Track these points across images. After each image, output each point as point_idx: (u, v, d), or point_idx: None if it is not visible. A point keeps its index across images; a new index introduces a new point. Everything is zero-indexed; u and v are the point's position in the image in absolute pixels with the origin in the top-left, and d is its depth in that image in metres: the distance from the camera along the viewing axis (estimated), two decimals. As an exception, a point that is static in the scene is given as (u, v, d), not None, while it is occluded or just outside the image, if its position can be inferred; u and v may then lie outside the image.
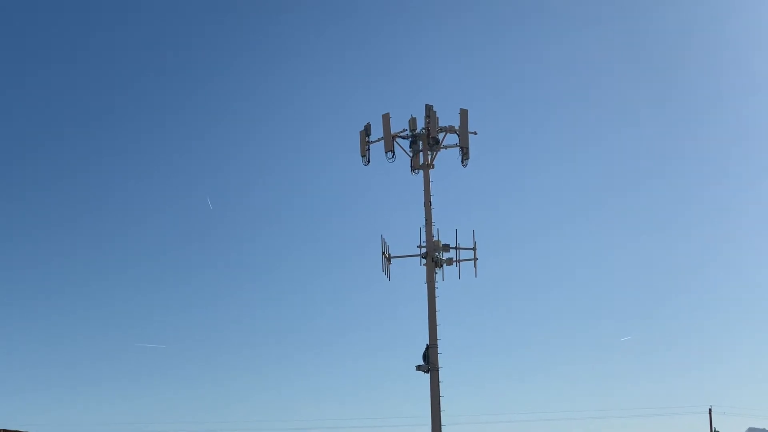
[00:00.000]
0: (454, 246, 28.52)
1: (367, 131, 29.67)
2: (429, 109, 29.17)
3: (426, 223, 28.60)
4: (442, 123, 29.27)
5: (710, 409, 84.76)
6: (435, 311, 27.83)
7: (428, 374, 27.50)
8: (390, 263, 28.75)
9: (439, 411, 27.33)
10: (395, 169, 29.55)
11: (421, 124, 29.25)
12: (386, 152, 29.32)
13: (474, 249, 28.53)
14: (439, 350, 27.63)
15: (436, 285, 28.13)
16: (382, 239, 28.68)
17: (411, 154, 29.32)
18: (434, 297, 27.96)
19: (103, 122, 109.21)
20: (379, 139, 29.52)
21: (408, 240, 28.82)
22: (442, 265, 28.39)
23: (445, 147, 29.34)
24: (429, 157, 29.19)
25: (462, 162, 29.36)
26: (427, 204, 28.76)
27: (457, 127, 29.29)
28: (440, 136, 29.21)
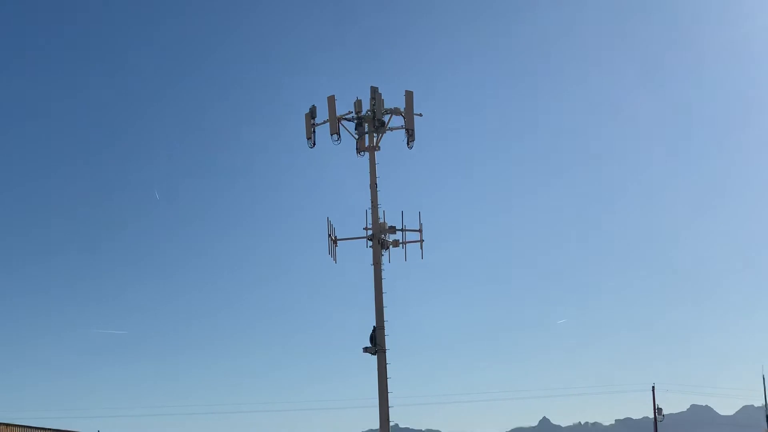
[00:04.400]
0: (401, 228, 28.61)
1: (312, 114, 29.51)
2: (374, 91, 29.10)
3: (372, 206, 28.61)
4: (387, 105, 29.26)
5: (653, 387, 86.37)
6: (381, 293, 27.91)
7: (375, 356, 27.58)
8: (336, 246, 28.73)
9: (387, 392, 27.45)
10: (341, 152, 29.53)
11: (366, 106, 29.18)
12: (332, 135, 29.22)
13: (420, 231, 28.65)
14: (386, 332, 27.73)
15: (383, 267, 28.20)
16: (328, 221, 28.67)
17: (357, 137, 29.25)
18: (381, 279, 28.02)
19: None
20: (324, 122, 29.39)
21: (354, 222, 28.86)
22: (388, 247, 28.45)
23: (391, 129, 29.34)
24: (375, 139, 29.17)
25: (408, 144, 29.40)
26: (373, 186, 28.75)
27: (402, 109, 29.27)
28: (386, 118, 29.20)
